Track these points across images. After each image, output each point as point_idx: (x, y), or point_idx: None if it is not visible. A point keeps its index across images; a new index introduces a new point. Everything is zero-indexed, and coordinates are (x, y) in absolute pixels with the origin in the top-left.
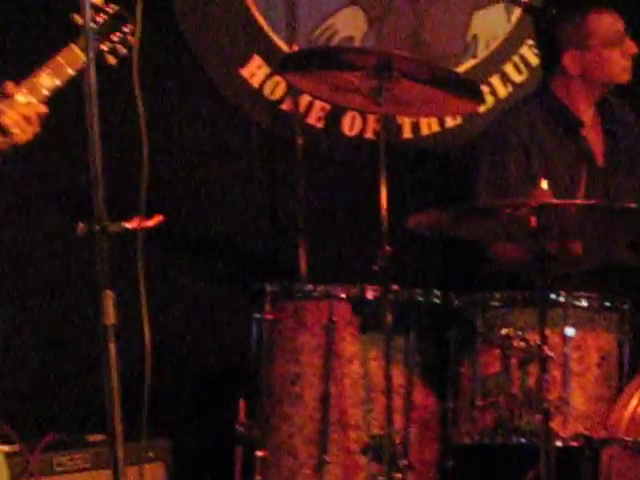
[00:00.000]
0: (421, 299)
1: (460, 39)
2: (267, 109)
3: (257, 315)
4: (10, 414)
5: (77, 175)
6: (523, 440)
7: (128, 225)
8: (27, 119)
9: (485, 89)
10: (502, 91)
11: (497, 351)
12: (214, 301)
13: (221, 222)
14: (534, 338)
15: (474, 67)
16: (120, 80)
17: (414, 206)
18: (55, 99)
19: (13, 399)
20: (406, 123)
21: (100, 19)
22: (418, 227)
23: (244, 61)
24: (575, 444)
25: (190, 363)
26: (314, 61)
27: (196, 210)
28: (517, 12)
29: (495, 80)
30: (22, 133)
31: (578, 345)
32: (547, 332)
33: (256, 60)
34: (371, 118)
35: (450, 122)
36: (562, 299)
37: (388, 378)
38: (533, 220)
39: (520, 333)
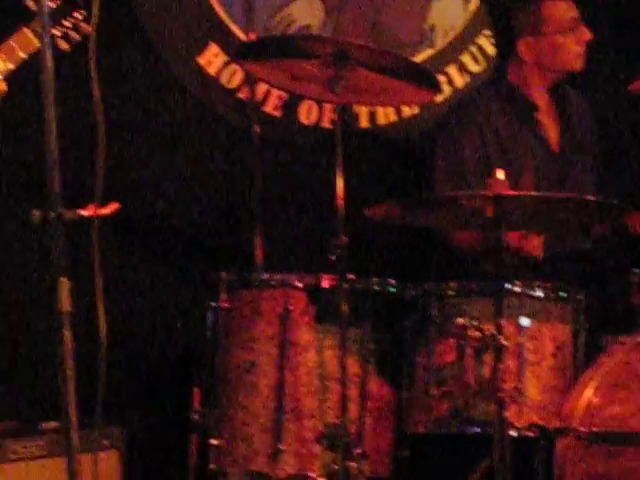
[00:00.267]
0: (377, 288)
1: (418, 28)
2: (224, 97)
3: (213, 303)
4: None
5: (32, 161)
6: (477, 429)
7: (84, 212)
8: None
9: (442, 79)
10: (459, 81)
11: (452, 341)
12: (170, 289)
13: (178, 210)
14: (489, 328)
15: (431, 57)
16: (77, 67)
17: (371, 195)
18: (9, 84)
19: None
20: (363, 112)
21: (52, 4)
22: (375, 217)
23: (201, 49)
24: (529, 434)
25: (145, 351)
26: (271, 49)
27: (152, 198)
28: (474, 2)
29: (452, 70)
30: None
31: (533, 335)
32: (502, 322)
33: (213, 48)
34: (328, 107)
35: (407, 111)
36: (517, 289)
37: (343, 367)
38: (489, 210)
39: (475, 323)
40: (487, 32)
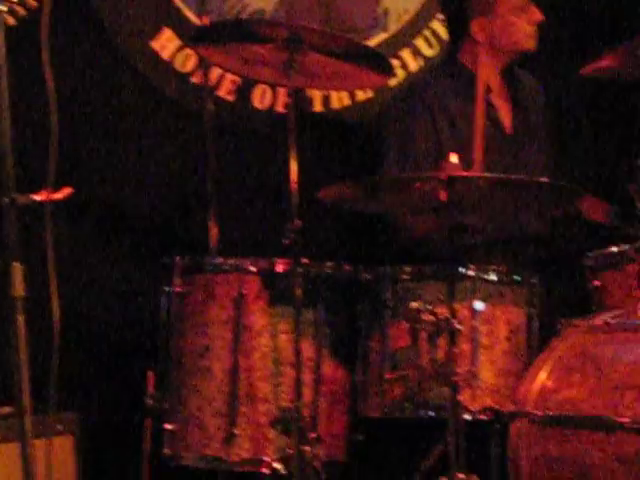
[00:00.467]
0: (331, 272)
1: (371, 13)
2: (178, 82)
3: (167, 288)
4: None
5: None
6: (432, 413)
7: (37, 197)
8: None
9: (396, 63)
10: (413, 65)
11: (406, 325)
12: (124, 274)
13: (131, 194)
14: (443, 312)
15: (385, 41)
16: (29, 53)
17: (325, 179)
18: None
19: None
20: (317, 96)
21: None
22: (328, 200)
23: (155, 34)
24: (483, 418)
25: (99, 336)
26: (225, 34)
27: (105, 182)
28: None
29: (406, 54)
30: None
31: (487, 319)
32: (456, 306)
33: (167, 33)
34: (282, 91)
35: (361, 95)
36: (471, 273)
37: (297, 351)
38: (442, 193)
39: (429, 307)
40: (441, 16)
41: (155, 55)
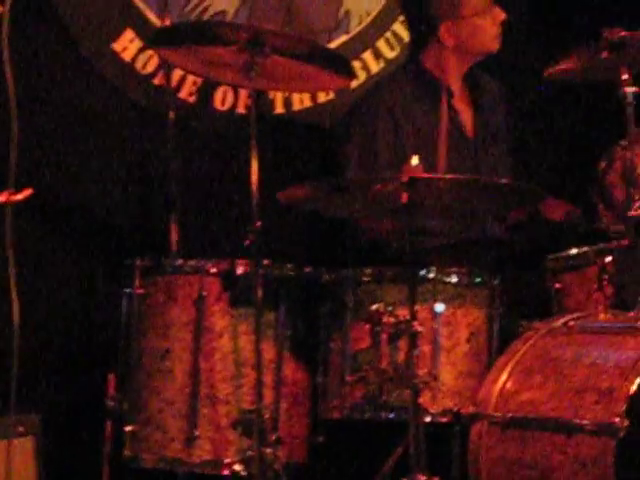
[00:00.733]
0: (292, 274)
1: (333, 14)
2: (139, 83)
3: (127, 290)
4: None
5: None
6: (392, 415)
7: None
8: None
9: (357, 64)
10: (374, 66)
11: (367, 326)
12: (84, 275)
13: (92, 196)
14: (404, 314)
15: (347, 42)
16: None
17: (286, 181)
18: None
19: None
20: (278, 98)
21: None
22: (289, 202)
23: (116, 35)
24: (444, 420)
25: (60, 337)
26: (186, 35)
27: (67, 184)
28: None
29: (367, 56)
30: None
31: (448, 321)
32: (417, 308)
33: (128, 34)
34: (243, 93)
35: (322, 97)
36: (432, 275)
37: (258, 353)
38: (403, 195)
39: (390, 309)
40: (402, 18)
41: (116, 57)
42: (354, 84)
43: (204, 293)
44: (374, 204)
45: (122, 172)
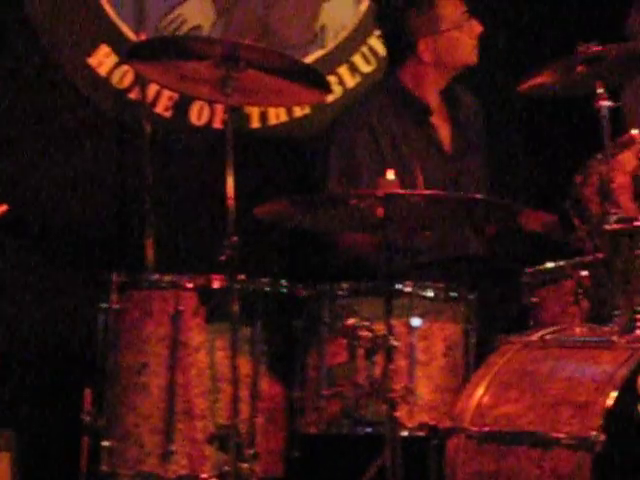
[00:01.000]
0: (268, 289)
1: (309, 29)
2: (115, 98)
3: (103, 304)
4: None
5: None
6: (369, 430)
7: None
8: None
9: (333, 79)
10: (350, 81)
11: (343, 341)
12: (61, 290)
13: (68, 211)
14: (380, 328)
15: (322, 57)
16: None
17: (262, 196)
18: None
19: None
20: (254, 112)
21: None
22: (266, 217)
23: (92, 50)
24: (421, 434)
25: (36, 353)
26: (162, 50)
27: (43, 199)
28: (365, 3)
29: (343, 70)
30: None
31: (424, 335)
32: (393, 322)
33: (104, 49)
34: (219, 108)
35: (298, 112)
36: (408, 289)
37: (234, 368)
38: (380, 210)
39: (366, 323)
40: (377, 32)
41: (92, 71)
42: (330, 99)
43: (180, 308)
44: (351, 219)
45: (98, 187)
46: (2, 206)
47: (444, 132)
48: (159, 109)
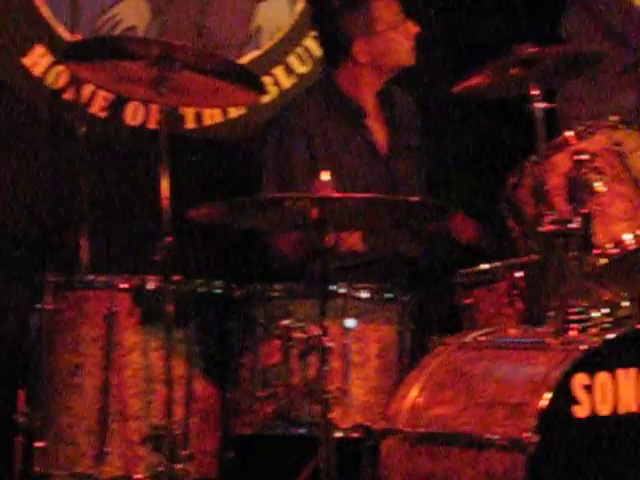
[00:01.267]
0: (202, 290)
1: (244, 30)
2: (49, 98)
3: (37, 305)
4: None
5: None
6: (303, 431)
7: None
8: None
9: (268, 80)
10: (286, 82)
11: (277, 342)
12: None
13: (2, 211)
14: (314, 329)
15: (258, 58)
16: None
17: (197, 196)
18: None
19: None
20: (189, 113)
21: None
22: (199, 218)
23: (26, 50)
24: (355, 435)
25: None
26: (97, 50)
27: None
28: (301, 4)
29: (279, 71)
30: None
31: (358, 336)
32: (327, 323)
33: (38, 49)
34: (154, 108)
35: (233, 112)
36: (342, 290)
37: (168, 369)
38: (314, 212)
39: (300, 324)
40: (313, 33)
41: (26, 71)
42: (266, 99)
43: (115, 309)
44: (284, 221)
45: (33, 187)
46: None
47: (379, 134)
48: (94, 109)
